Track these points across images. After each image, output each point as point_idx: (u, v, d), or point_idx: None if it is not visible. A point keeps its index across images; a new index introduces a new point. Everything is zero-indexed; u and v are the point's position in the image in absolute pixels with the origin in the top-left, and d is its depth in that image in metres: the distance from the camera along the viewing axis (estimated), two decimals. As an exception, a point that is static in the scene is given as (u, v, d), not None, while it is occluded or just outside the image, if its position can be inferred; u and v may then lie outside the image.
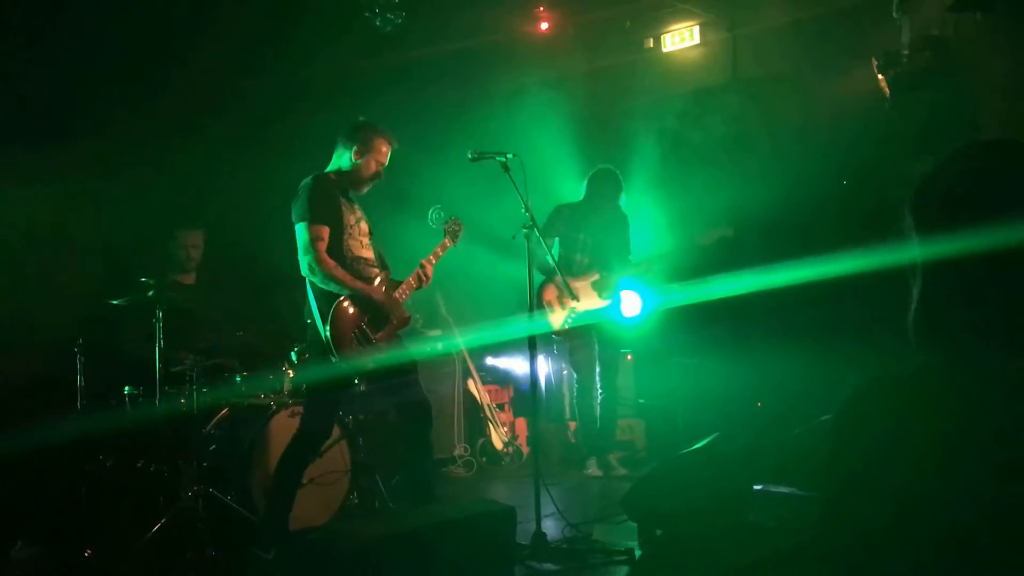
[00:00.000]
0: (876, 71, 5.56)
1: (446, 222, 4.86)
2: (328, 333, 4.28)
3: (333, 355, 4.28)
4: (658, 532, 4.41)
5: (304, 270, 4.38)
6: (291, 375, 5.28)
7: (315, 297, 4.39)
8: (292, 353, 5.33)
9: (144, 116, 6.08)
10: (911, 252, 1.40)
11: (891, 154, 5.57)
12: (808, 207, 6.05)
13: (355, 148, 4.52)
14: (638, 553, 4.36)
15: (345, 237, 4.45)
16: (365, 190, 4.64)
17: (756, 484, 5.03)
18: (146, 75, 6.12)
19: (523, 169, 4.62)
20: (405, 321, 4.63)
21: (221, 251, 5.99)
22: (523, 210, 4.68)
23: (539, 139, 7.23)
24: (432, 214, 4.88)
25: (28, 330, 5.31)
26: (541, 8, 7.78)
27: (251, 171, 6.21)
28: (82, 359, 4.90)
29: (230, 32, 6.25)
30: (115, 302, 4.96)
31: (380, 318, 4.48)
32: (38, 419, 4.97)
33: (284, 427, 4.95)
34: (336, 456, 5.12)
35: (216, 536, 4.58)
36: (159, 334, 4.83)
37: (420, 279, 4.67)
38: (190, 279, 5.76)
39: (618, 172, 6.61)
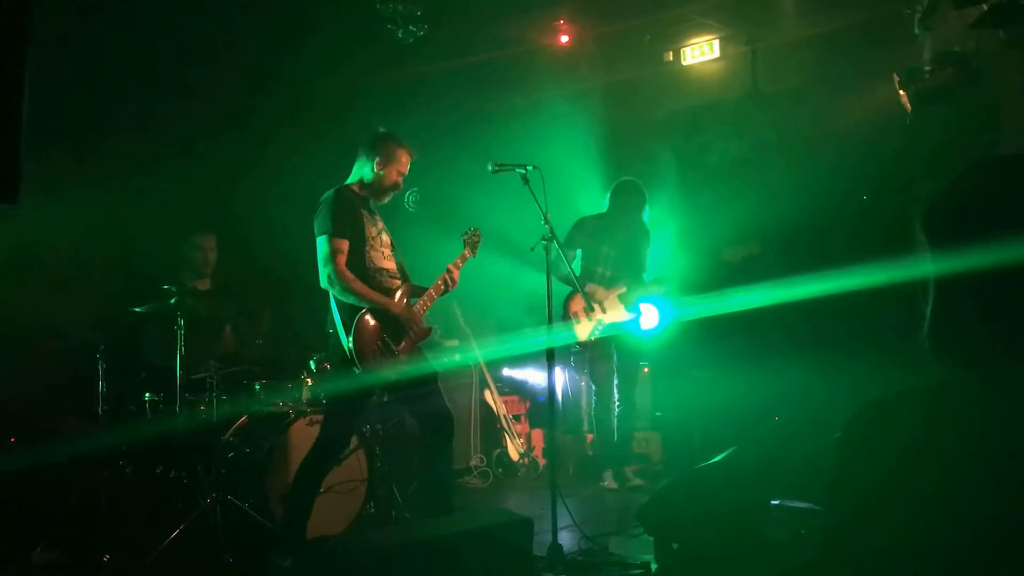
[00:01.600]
0: (897, 87, 5.56)
1: (465, 233, 4.88)
2: (351, 344, 4.31)
3: (356, 366, 4.31)
4: (675, 546, 4.39)
5: (324, 282, 4.41)
6: (310, 383, 5.30)
7: (338, 308, 4.42)
8: (311, 362, 5.35)
9: (163, 124, 6.14)
10: (924, 267, 1.40)
11: (910, 169, 5.55)
12: (826, 221, 6.04)
13: (377, 159, 4.57)
14: (654, 567, 4.34)
15: (367, 249, 4.48)
16: (387, 200, 4.68)
17: (773, 499, 5.01)
18: (167, 84, 6.18)
19: (543, 181, 4.63)
20: (426, 333, 4.65)
21: (238, 258, 6.03)
22: (542, 222, 4.70)
23: (559, 151, 7.24)
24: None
25: (50, 336, 5.35)
26: (561, 21, 7.81)
27: (270, 179, 6.26)
28: (103, 365, 4.94)
29: (251, 40, 6.31)
30: (138, 309, 5.00)
31: (401, 330, 4.50)
32: (59, 425, 5.02)
33: (302, 435, 4.98)
34: (353, 465, 5.13)
35: (234, 543, 4.60)
36: (180, 341, 4.87)
37: (447, 283, 4.69)
38: (206, 284, 5.81)
39: (642, 184, 6.61)
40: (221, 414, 5.01)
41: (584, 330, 6.24)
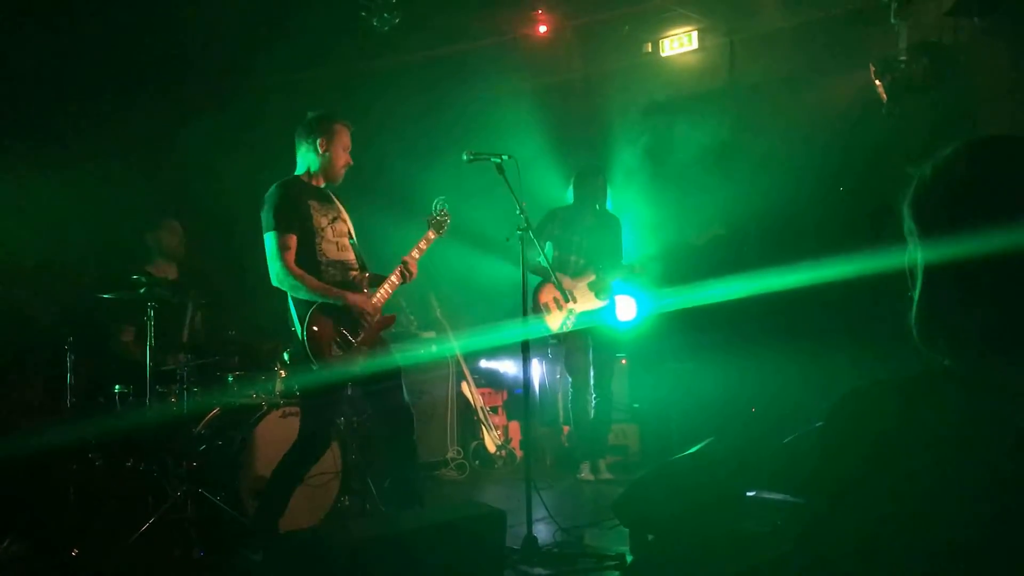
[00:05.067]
0: (874, 77, 5.55)
1: (432, 214, 4.76)
2: (305, 340, 4.24)
3: (312, 362, 4.25)
4: (650, 537, 4.38)
5: (274, 280, 4.34)
6: (283, 375, 5.25)
7: (293, 305, 4.35)
8: (285, 353, 5.30)
9: (135, 113, 6.07)
10: (910, 253, 1.37)
11: (888, 159, 5.55)
12: (804, 211, 6.04)
13: (319, 140, 4.47)
14: (629, 558, 4.33)
15: (317, 241, 4.39)
16: (341, 178, 4.58)
17: (749, 490, 5.00)
18: (139, 73, 6.11)
19: (518, 171, 4.59)
20: (387, 322, 4.58)
21: (209, 248, 5.98)
22: (518, 212, 4.66)
23: (536, 142, 7.22)
24: (436, 205, 4.82)
25: (18, 328, 5.28)
26: (540, 11, 7.77)
27: (244, 168, 6.19)
28: (72, 357, 4.87)
29: (224, 32, 6.24)
30: (107, 296, 4.93)
31: (359, 321, 4.43)
32: (28, 417, 4.95)
33: (275, 428, 4.93)
34: (327, 458, 5.07)
35: (204, 537, 4.55)
36: (150, 332, 4.80)
37: (404, 276, 4.60)
38: (174, 272, 5.74)
39: (602, 167, 6.60)
40: (192, 406, 4.96)
41: (555, 320, 6.21)
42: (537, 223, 6.27)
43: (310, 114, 4.56)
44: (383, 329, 4.58)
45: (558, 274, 6.15)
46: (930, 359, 1.33)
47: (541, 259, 5.28)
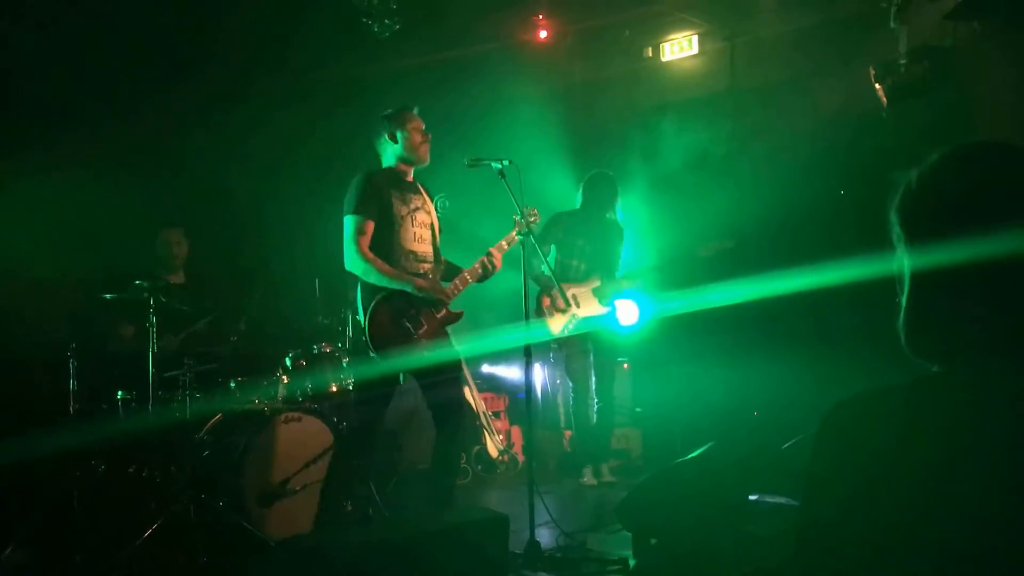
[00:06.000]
0: (873, 80, 5.56)
1: (521, 212, 4.71)
2: (368, 329, 4.34)
3: (371, 351, 4.34)
4: (652, 541, 4.38)
5: (347, 263, 4.48)
6: (285, 381, 5.25)
7: (361, 292, 4.47)
8: (287, 359, 5.31)
9: (140, 117, 6.09)
10: (898, 259, 1.37)
11: (888, 163, 5.55)
12: (806, 216, 6.04)
13: (389, 130, 4.64)
14: (632, 563, 4.33)
15: (396, 229, 4.52)
16: (425, 157, 4.70)
17: (752, 494, 5.00)
18: (142, 77, 6.12)
19: (519, 176, 4.61)
20: (453, 318, 4.65)
21: (214, 253, 5.99)
22: (519, 216, 4.67)
23: (537, 147, 7.22)
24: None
25: (21, 333, 5.28)
26: (540, 16, 7.79)
27: (248, 174, 6.21)
28: (75, 363, 4.87)
29: (230, 37, 6.26)
30: (108, 297, 4.93)
31: (424, 314, 4.49)
32: (30, 423, 4.95)
33: (277, 433, 4.93)
34: (331, 463, 5.08)
35: (208, 542, 4.54)
36: (152, 337, 4.81)
37: (485, 266, 4.69)
38: (179, 278, 5.76)
39: (613, 176, 6.61)
40: (195, 412, 4.96)
41: (556, 325, 6.21)
42: (540, 227, 6.27)
43: (381, 114, 4.74)
44: (447, 324, 4.65)
45: (562, 283, 6.15)
46: (919, 365, 1.33)
47: (544, 268, 5.29)
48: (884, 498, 1.22)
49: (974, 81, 5.19)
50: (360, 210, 4.45)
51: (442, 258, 4.80)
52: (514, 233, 4.77)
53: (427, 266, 4.61)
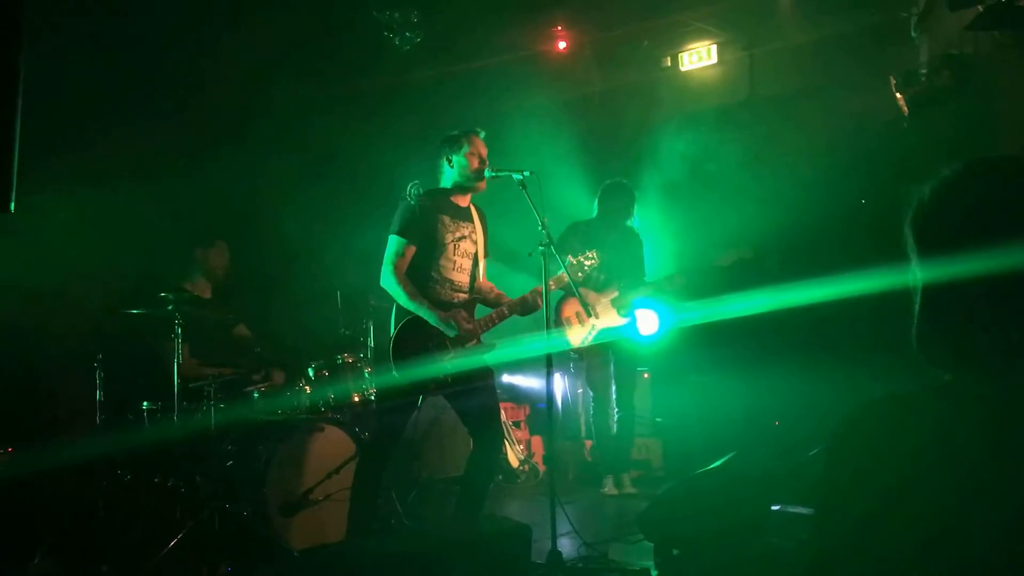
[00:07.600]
0: (894, 90, 5.54)
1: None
2: (392, 344, 4.39)
3: (392, 367, 4.39)
4: (674, 552, 4.37)
5: (382, 281, 4.50)
6: (308, 391, 5.29)
7: (395, 306, 4.51)
8: (310, 369, 5.35)
9: (166, 128, 6.14)
10: (912, 271, 1.40)
11: (910, 173, 5.54)
12: (826, 226, 6.02)
13: (451, 156, 4.61)
14: (654, 573, 4.33)
15: (437, 256, 4.52)
16: (480, 182, 4.63)
17: (774, 504, 4.99)
18: (171, 88, 6.19)
19: (540, 186, 4.62)
20: (485, 349, 4.64)
21: (240, 266, 6.03)
22: (540, 227, 4.67)
23: (556, 157, 7.24)
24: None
25: (49, 344, 5.34)
26: (559, 28, 7.82)
27: (275, 186, 6.25)
28: (102, 374, 4.92)
29: (255, 52, 6.32)
30: (135, 312, 4.98)
31: (452, 340, 4.49)
32: (57, 433, 5.00)
33: (300, 444, 4.96)
34: (353, 473, 5.11)
35: (232, 552, 4.58)
36: (178, 348, 4.85)
37: (527, 303, 4.66)
38: (208, 291, 5.79)
39: (629, 184, 6.61)
40: (219, 422, 5.00)
41: (577, 336, 6.21)
42: (558, 237, 6.28)
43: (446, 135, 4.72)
44: (477, 353, 4.61)
45: (583, 289, 6.15)
46: (932, 374, 1.35)
47: (567, 275, 5.28)
48: (900, 506, 1.24)
49: (996, 90, 5.16)
50: (404, 233, 4.46)
51: (487, 285, 4.78)
52: (563, 274, 4.74)
53: (462, 296, 4.60)
